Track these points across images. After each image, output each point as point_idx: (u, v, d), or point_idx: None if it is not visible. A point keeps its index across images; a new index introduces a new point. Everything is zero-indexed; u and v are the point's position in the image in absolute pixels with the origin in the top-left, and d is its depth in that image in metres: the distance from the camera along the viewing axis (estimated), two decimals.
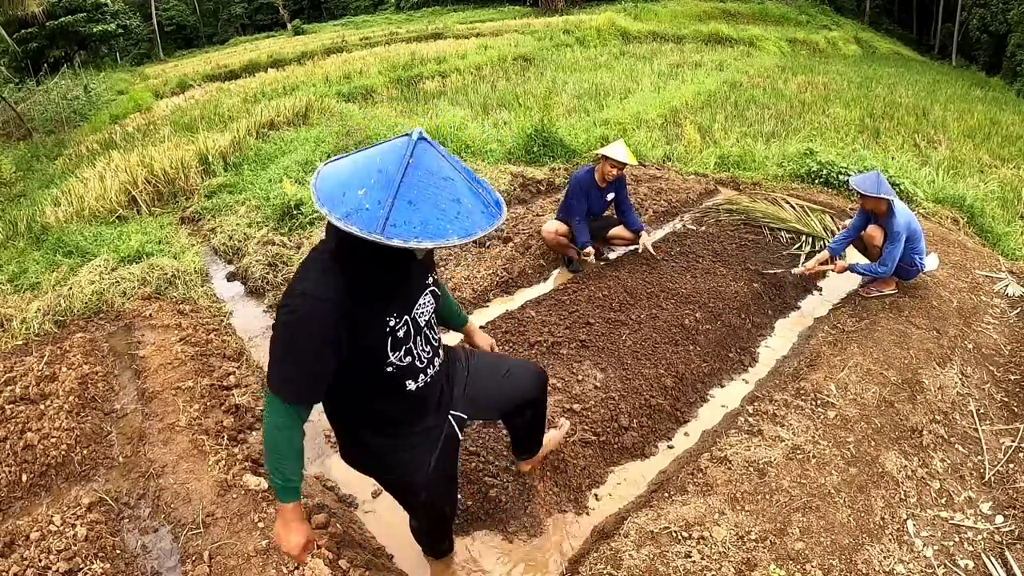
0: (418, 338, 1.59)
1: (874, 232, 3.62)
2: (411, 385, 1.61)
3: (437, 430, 1.77)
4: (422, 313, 1.59)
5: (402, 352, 1.54)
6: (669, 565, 2.03)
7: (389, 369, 1.53)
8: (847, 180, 5.62)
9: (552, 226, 4.26)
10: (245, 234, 5.20)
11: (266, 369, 1.50)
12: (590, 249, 4.07)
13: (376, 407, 1.63)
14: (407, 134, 1.27)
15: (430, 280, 1.65)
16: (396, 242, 1.16)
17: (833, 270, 3.83)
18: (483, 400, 1.92)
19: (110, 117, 12.57)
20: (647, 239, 4.28)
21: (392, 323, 1.49)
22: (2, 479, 2.62)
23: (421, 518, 2.01)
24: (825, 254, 3.90)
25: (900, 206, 3.49)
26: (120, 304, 4.12)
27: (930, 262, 3.76)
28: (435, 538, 2.18)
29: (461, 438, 1.89)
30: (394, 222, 1.17)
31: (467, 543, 2.41)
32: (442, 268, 4.37)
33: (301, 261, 1.46)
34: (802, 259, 4.36)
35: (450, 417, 1.81)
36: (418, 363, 1.60)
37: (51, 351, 3.49)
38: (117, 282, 4.33)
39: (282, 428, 1.45)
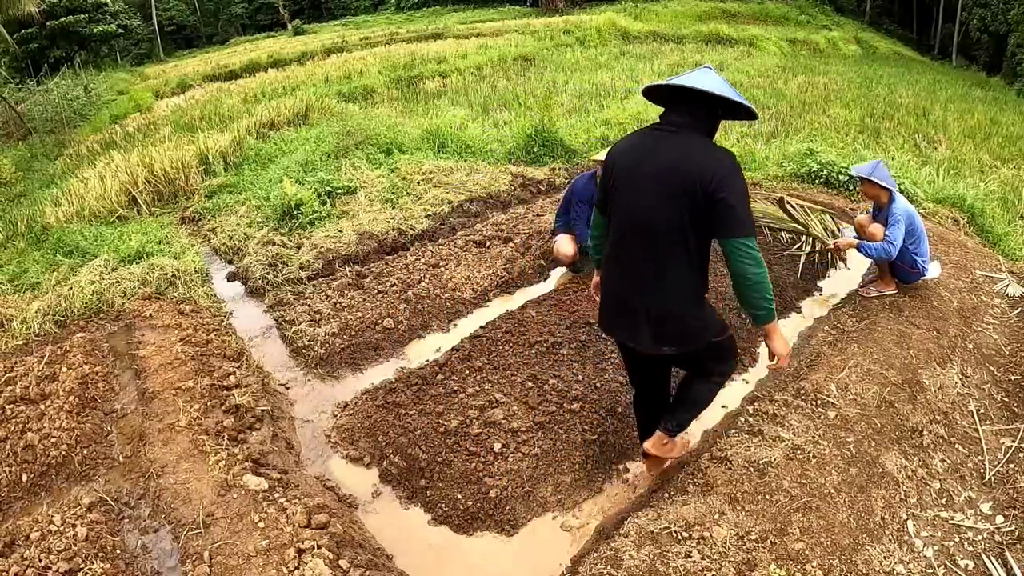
0: None
1: (875, 231, 3.64)
2: None
3: None
4: None
5: None
6: (669, 565, 2.03)
7: None
8: (848, 180, 5.63)
9: (567, 248, 4.12)
10: (245, 234, 5.21)
11: (735, 220, 1.82)
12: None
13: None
14: (706, 66, 1.95)
15: None
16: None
17: (844, 246, 3.80)
18: None
19: (110, 117, 12.54)
20: None
21: None
22: (2, 479, 2.62)
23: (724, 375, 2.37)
24: (851, 235, 3.98)
25: (902, 198, 3.55)
26: (120, 304, 4.12)
27: (933, 269, 3.76)
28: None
29: None
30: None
31: (467, 543, 2.41)
32: (442, 268, 4.37)
33: (695, 149, 1.88)
34: (802, 259, 4.36)
35: None
36: None
37: (51, 351, 3.49)
38: (117, 282, 4.33)
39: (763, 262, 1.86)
